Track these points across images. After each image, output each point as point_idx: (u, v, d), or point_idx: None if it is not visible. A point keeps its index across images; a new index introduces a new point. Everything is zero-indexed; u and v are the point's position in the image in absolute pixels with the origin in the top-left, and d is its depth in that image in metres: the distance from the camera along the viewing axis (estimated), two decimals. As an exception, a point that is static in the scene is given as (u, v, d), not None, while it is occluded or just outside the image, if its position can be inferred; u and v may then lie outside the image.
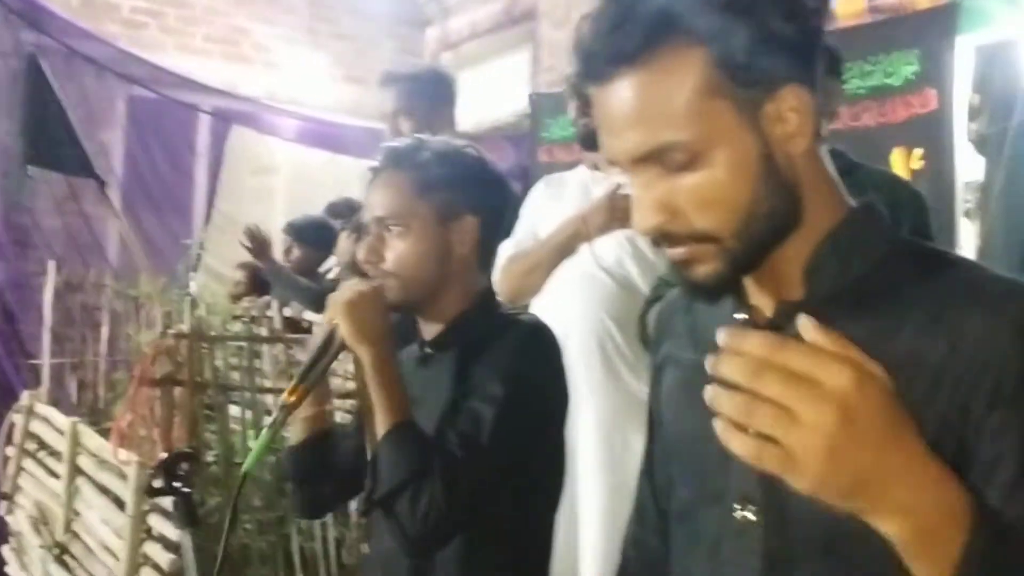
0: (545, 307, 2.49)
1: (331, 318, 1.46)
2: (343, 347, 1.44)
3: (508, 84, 6.05)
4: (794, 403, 0.72)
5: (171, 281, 3.99)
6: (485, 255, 1.65)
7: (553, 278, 2.52)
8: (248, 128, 6.30)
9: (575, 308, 2.46)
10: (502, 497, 1.47)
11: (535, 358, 1.53)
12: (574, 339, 2.37)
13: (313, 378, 1.44)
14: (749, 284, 0.98)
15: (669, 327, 1.15)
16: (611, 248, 2.46)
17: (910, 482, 0.75)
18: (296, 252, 4.74)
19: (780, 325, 0.92)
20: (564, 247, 2.49)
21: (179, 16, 6.30)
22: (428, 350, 1.61)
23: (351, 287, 1.49)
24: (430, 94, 2.88)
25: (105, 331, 4.51)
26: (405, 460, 1.39)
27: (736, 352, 0.75)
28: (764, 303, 0.97)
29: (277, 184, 6.09)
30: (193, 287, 3.69)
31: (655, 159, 0.89)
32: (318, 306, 3.75)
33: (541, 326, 1.59)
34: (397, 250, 1.54)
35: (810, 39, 0.91)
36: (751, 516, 0.94)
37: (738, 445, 0.75)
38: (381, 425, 1.43)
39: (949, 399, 0.85)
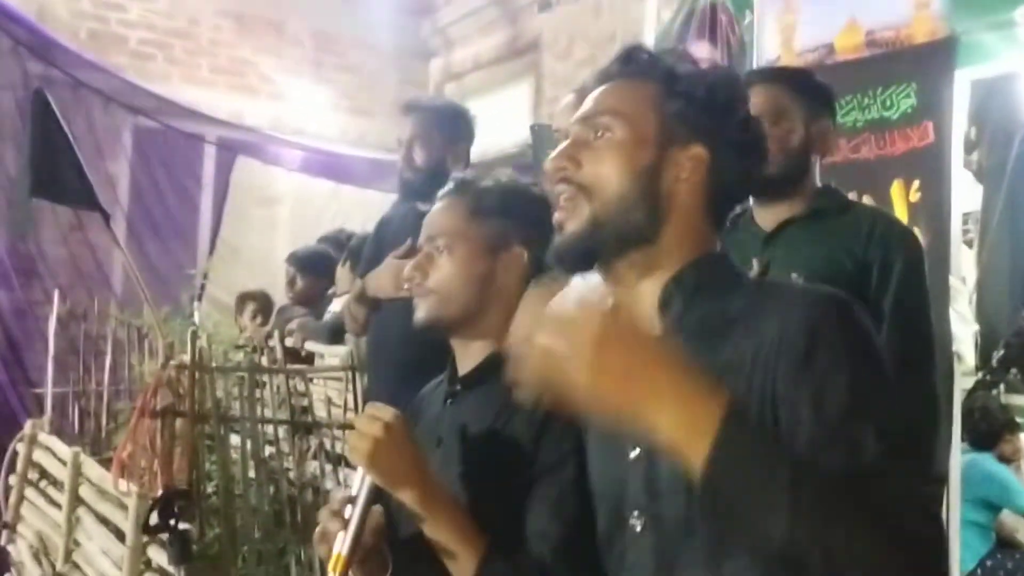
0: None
1: (357, 461, 1.32)
2: (379, 491, 1.31)
3: (511, 115, 6.09)
4: (560, 338, 0.97)
5: (175, 311, 4.01)
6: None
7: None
8: (253, 158, 6.34)
9: None
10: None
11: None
12: None
13: (353, 543, 1.27)
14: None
15: None
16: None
17: (670, 382, 0.96)
18: (300, 283, 4.77)
19: None
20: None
21: (185, 48, 6.36)
22: (459, 387, 1.55)
23: (363, 431, 1.32)
24: (448, 126, 2.90)
25: (108, 360, 4.53)
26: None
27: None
28: None
29: (281, 214, 6.13)
30: (197, 317, 3.70)
31: (590, 127, 1.21)
32: (335, 339, 3.77)
33: None
34: (441, 269, 1.55)
35: (728, 135, 1.20)
36: (638, 526, 1.14)
37: (526, 375, 0.99)
38: (464, 566, 1.29)
39: (760, 389, 1.05)
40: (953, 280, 3.66)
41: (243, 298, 5.13)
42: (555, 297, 1.01)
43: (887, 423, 1.02)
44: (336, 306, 4.44)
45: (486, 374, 1.51)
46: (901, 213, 3.36)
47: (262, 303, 5.09)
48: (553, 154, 1.22)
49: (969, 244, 4.32)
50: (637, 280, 1.19)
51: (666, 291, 1.17)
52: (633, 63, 1.26)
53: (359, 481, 1.30)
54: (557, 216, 1.21)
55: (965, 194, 4.22)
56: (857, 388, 1.02)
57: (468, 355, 1.56)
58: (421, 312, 1.56)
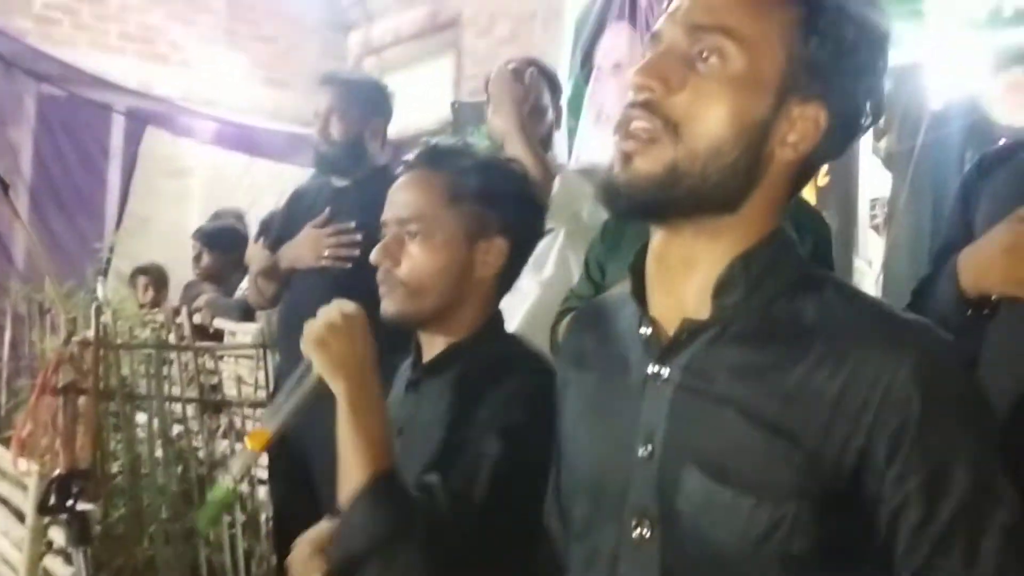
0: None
1: (306, 351, 1.28)
2: (321, 385, 1.26)
3: (431, 91, 6.04)
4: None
5: (79, 286, 3.89)
6: (507, 281, 1.49)
7: None
8: (163, 129, 6.16)
9: (526, 319, 2.47)
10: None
11: (539, 407, 1.24)
12: None
13: (283, 422, 1.26)
14: (654, 297, 1.00)
15: (576, 348, 1.15)
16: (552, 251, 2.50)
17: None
18: (206, 258, 4.67)
19: (684, 342, 0.95)
20: None
21: (93, 13, 6.14)
22: (418, 374, 1.46)
23: (328, 312, 1.30)
24: (366, 101, 2.86)
25: (7, 336, 4.38)
26: (382, 519, 1.19)
27: None
28: (668, 319, 0.98)
29: (193, 187, 5.98)
30: (100, 292, 3.60)
31: (694, 40, 0.92)
32: (246, 316, 3.70)
33: (548, 368, 1.36)
34: (414, 258, 1.40)
35: (866, 91, 0.95)
36: (646, 532, 0.95)
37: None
38: (355, 473, 1.22)
39: (844, 440, 0.87)
40: (859, 263, 3.76)
41: (135, 273, 5.01)
42: None
43: (1016, 524, 0.87)
44: (244, 283, 4.36)
45: (448, 363, 1.42)
46: (809, 197, 3.44)
47: (155, 276, 4.98)
48: (642, 64, 0.94)
49: (876, 229, 4.44)
50: (696, 245, 0.96)
51: (730, 272, 0.95)
52: None
53: (302, 369, 1.28)
54: (623, 145, 0.94)
55: (874, 180, 4.34)
56: (981, 476, 0.87)
57: (434, 345, 1.45)
58: (390, 305, 1.41)
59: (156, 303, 4.73)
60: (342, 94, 2.84)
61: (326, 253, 2.70)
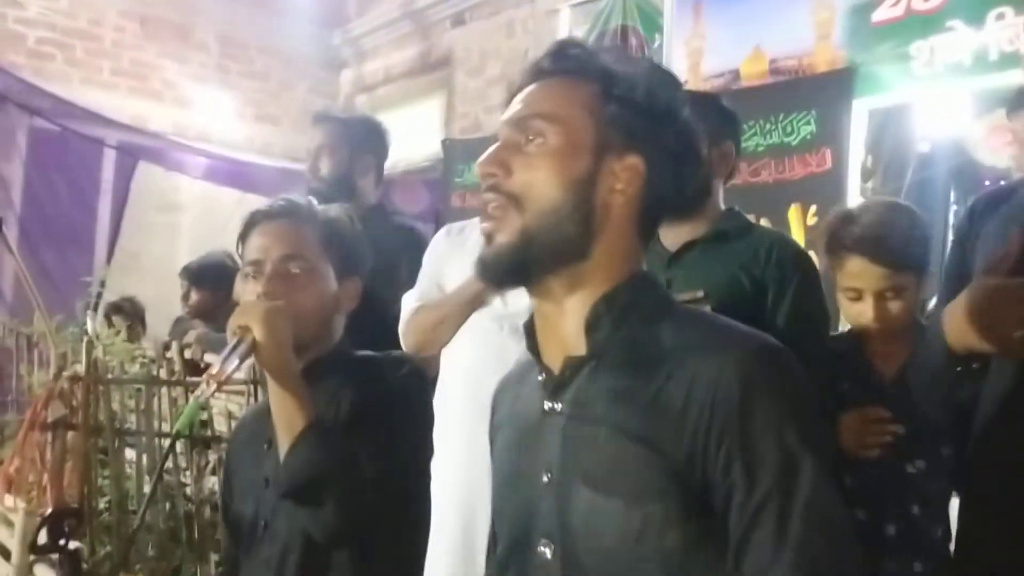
0: (450, 355, 2.50)
1: (242, 324, 1.48)
2: (251, 351, 1.46)
3: (422, 128, 6.08)
4: None
5: (68, 319, 3.87)
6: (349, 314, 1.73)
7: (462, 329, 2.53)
8: (155, 164, 6.18)
9: (467, 356, 2.48)
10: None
11: (413, 387, 1.61)
12: (459, 387, 2.45)
13: (232, 369, 1.45)
14: (543, 347, 1.16)
15: (503, 397, 1.29)
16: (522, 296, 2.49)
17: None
18: (194, 296, 4.62)
19: (568, 379, 1.10)
20: (472, 301, 2.50)
21: (86, 49, 6.18)
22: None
23: (262, 297, 1.55)
24: (355, 138, 2.87)
25: (-6, 370, 4.35)
26: (322, 456, 1.44)
27: None
28: (555, 362, 1.13)
29: (184, 222, 6.00)
30: (90, 326, 3.58)
31: (521, 129, 1.12)
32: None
33: (405, 358, 1.69)
34: (302, 291, 1.59)
35: (667, 142, 1.13)
36: (548, 552, 1.08)
37: None
38: (297, 423, 1.47)
39: (691, 441, 1.00)
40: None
41: (109, 310, 4.98)
42: None
43: (816, 497, 0.99)
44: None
45: (314, 373, 1.61)
46: (798, 236, 3.47)
47: (129, 312, 4.95)
48: (482, 157, 1.13)
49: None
50: (564, 296, 1.12)
51: (594, 311, 1.10)
52: (567, 59, 1.16)
53: (234, 344, 1.46)
54: (484, 225, 1.13)
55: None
56: (788, 455, 0.99)
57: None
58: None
59: (131, 337, 4.70)
60: (333, 132, 2.86)
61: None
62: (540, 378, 1.15)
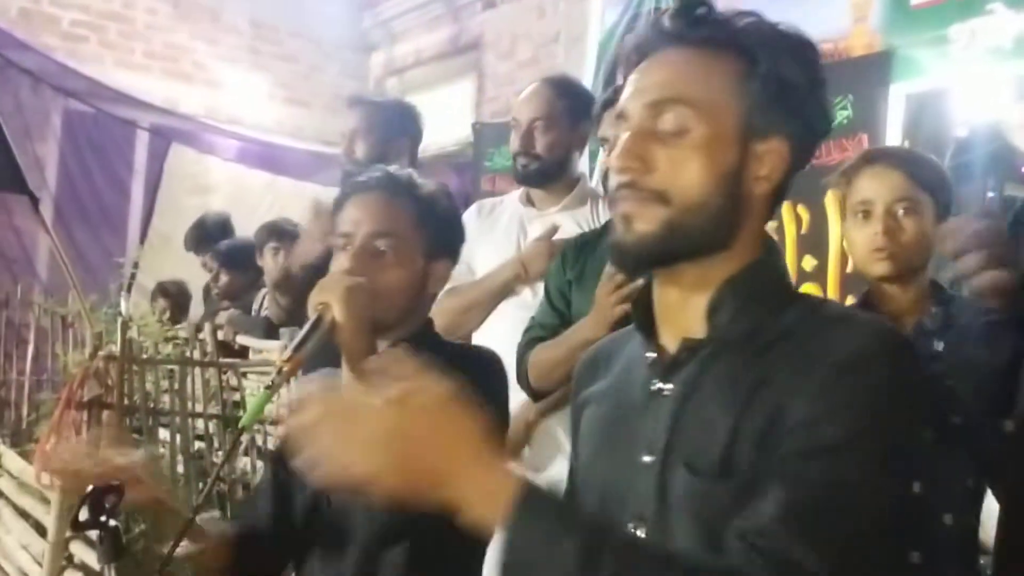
0: (479, 341, 2.50)
1: (322, 301, 1.43)
2: (332, 331, 1.41)
3: (452, 112, 6.07)
4: (358, 411, 0.89)
5: (102, 300, 3.91)
6: (437, 296, 1.67)
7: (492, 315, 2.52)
8: (187, 146, 6.22)
9: (497, 343, 2.47)
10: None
11: (497, 388, 1.54)
12: None
13: (309, 351, 1.39)
14: (660, 325, 1.11)
15: (593, 372, 1.24)
16: None
17: (465, 459, 0.89)
18: (224, 278, 4.68)
19: (683, 361, 1.05)
20: (502, 290, 2.49)
21: (119, 31, 6.21)
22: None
23: (344, 274, 1.49)
24: (389, 121, 2.87)
25: (30, 349, 4.40)
26: None
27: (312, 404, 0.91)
28: (670, 342, 1.09)
29: (215, 204, 6.01)
30: (124, 307, 3.62)
31: (659, 112, 1.03)
32: (270, 333, 3.72)
33: (495, 355, 1.61)
34: (389, 272, 1.53)
35: (817, 116, 1.07)
36: (640, 534, 1.03)
37: (320, 470, 0.89)
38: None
39: (785, 414, 0.95)
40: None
41: (156, 290, 5.04)
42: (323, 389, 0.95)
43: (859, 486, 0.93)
44: (262, 297, 4.40)
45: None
46: (835, 223, 3.43)
47: (175, 293, 5.00)
48: (617, 150, 1.04)
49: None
50: (696, 282, 1.06)
51: (719, 295, 1.05)
52: (704, 25, 1.05)
53: (313, 321, 1.41)
54: (623, 208, 1.05)
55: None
56: (857, 432, 0.93)
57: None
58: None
59: (174, 320, 4.76)
60: (367, 115, 2.87)
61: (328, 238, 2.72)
62: (649, 356, 1.10)
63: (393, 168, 1.64)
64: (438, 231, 1.58)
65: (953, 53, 3.37)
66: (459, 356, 1.53)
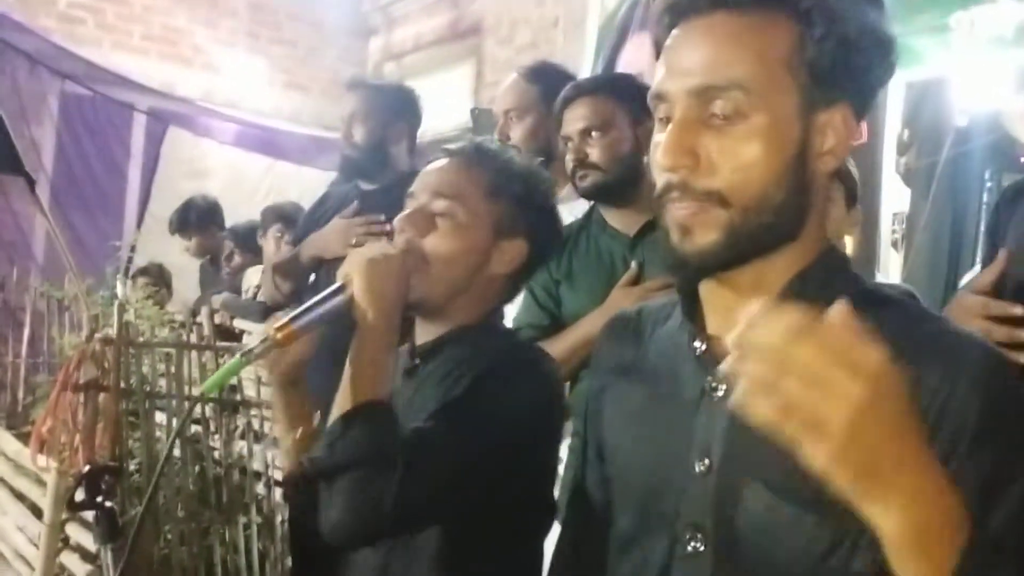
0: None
1: (347, 272, 1.31)
2: (348, 307, 1.29)
3: (451, 97, 6.05)
4: (829, 372, 0.69)
5: (98, 284, 3.90)
6: (517, 283, 1.52)
7: None
8: (184, 130, 6.20)
9: None
10: (477, 521, 1.32)
11: (524, 389, 1.34)
12: None
13: (306, 324, 1.28)
14: (711, 316, 0.99)
15: (616, 356, 1.13)
16: None
17: (919, 473, 0.73)
18: (237, 258, 4.71)
19: None
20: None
21: (117, 13, 6.18)
22: (416, 360, 1.45)
23: (377, 246, 1.36)
24: (388, 105, 2.87)
25: (27, 332, 4.40)
26: (372, 440, 1.22)
27: (770, 325, 0.72)
28: (722, 332, 0.93)
29: (212, 188, 5.99)
30: (120, 290, 3.61)
31: (708, 99, 0.90)
32: (267, 317, 3.71)
33: (541, 357, 1.46)
34: (443, 239, 1.39)
35: (880, 75, 0.94)
36: (700, 547, 0.94)
37: (761, 408, 0.71)
38: (357, 395, 1.25)
39: None
40: (880, 278, 3.74)
41: (136, 273, 5.06)
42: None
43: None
44: (254, 279, 4.40)
45: (444, 347, 1.42)
46: (834, 211, 3.42)
47: (155, 275, 5.01)
48: (665, 146, 0.91)
49: (895, 245, 4.42)
50: (758, 273, 0.94)
51: (787, 292, 0.93)
52: None
53: (337, 286, 1.30)
54: (678, 215, 0.92)
55: (895, 196, 4.31)
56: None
57: (430, 331, 1.45)
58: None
59: (156, 301, 4.76)
60: (366, 99, 2.86)
61: (354, 241, 2.70)
62: (698, 347, 0.99)
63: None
64: (514, 206, 1.43)
65: (954, 42, 3.36)
66: (512, 356, 1.42)
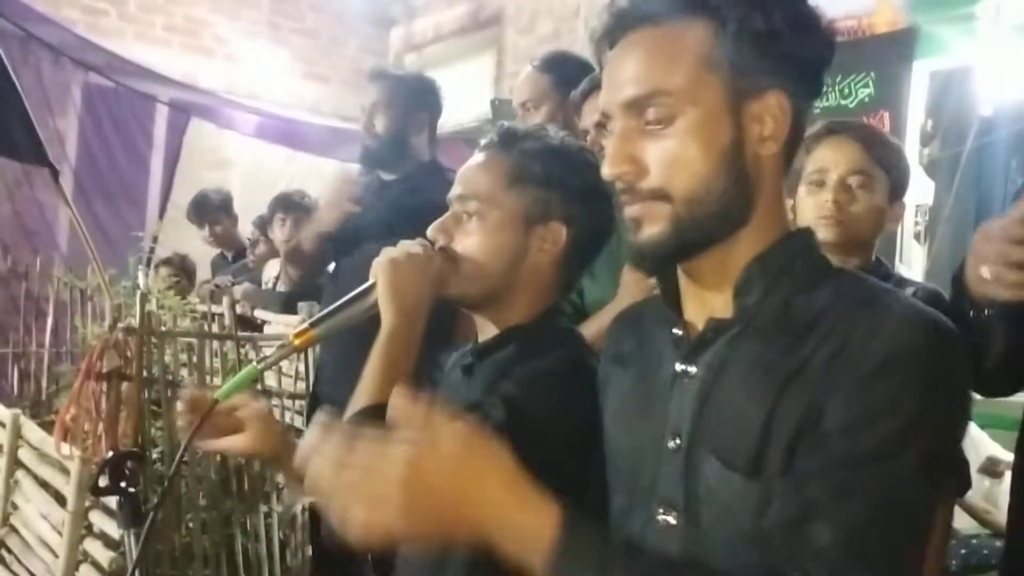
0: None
1: (374, 272, 1.31)
2: (374, 307, 1.30)
3: (471, 88, 6.04)
4: (373, 465, 0.82)
5: (121, 274, 3.93)
6: (568, 271, 1.44)
7: None
8: (207, 121, 6.22)
9: None
10: None
11: (559, 389, 1.28)
12: None
13: (328, 327, 1.30)
14: (686, 302, 1.06)
15: (617, 348, 1.19)
16: None
17: (493, 503, 0.84)
18: (262, 247, 4.75)
19: (708, 342, 1.00)
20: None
21: (140, 4, 6.22)
22: (471, 359, 1.43)
23: (405, 246, 1.34)
24: (409, 95, 2.87)
25: (50, 321, 4.44)
26: None
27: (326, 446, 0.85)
28: (698, 320, 1.04)
29: (234, 179, 6.03)
30: (142, 280, 3.64)
31: (640, 109, 0.97)
32: (288, 307, 3.74)
33: (582, 356, 1.37)
34: (469, 237, 1.37)
35: (810, 57, 0.99)
36: (672, 520, 0.99)
37: (336, 498, 0.83)
38: (371, 396, 1.25)
39: (824, 398, 0.90)
40: (903, 270, 3.71)
41: (159, 264, 5.10)
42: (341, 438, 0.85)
43: (902, 494, 0.87)
44: (273, 270, 4.43)
45: (499, 347, 1.39)
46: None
47: (177, 266, 5.05)
48: (608, 155, 0.99)
49: (918, 237, 4.39)
50: (718, 261, 1.00)
51: (746, 274, 0.99)
52: None
53: (365, 287, 1.31)
54: (629, 212, 1.00)
55: (918, 187, 4.28)
56: (901, 430, 0.87)
57: (487, 330, 1.42)
58: (448, 286, 1.37)
59: (178, 292, 4.81)
60: (387, 89, 2.85)
61: (343, 207, 2.72)
62: (675, 334, 1.05)
63: (515, 123, 1.48)
64: (543, 189, 1.37)
65: (979, 30, 3.33)
66: (551, 345, 1.36)
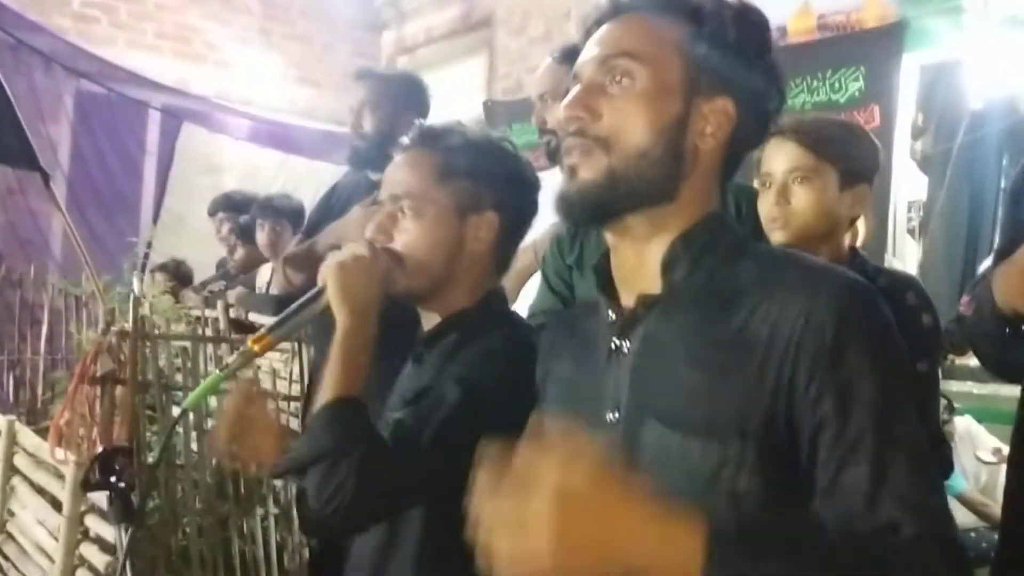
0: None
1: (323, 276, 1.38)
2: (328, 309, 1.36)
3: (463, 90, 6.05)
4: (522, 501, 0.82)
5: (115, 279, 3.93)
6: (502, 256, 1.53)
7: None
8: (199, 126, 6.22)
9: None
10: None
11: (506, 366, 1.35)
12: None
13: (284, 331, 1.38)
14: (620, 287, 1.13)
15: (553, 348, 1.25)
16: None
17: (639, 531, 0.83)
18: (240, 252, 4.73)
19: (640, 317, 1.08)
20: (518, 278, 2.48)
21: (130, 12, 6.22)
22: (420, 348, 1.50)
23: (351, 248, 1.40)
24: (397, 95, 2.86)
25: (44, 329, 4.44)
26: (330, 435, 1.28)
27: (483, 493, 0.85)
28: (630, 300, 1.11)
29: (227, 184, 6.01)
30: (136, 286, 3.64)
31: (608, 68, 1.08)
32: (281, 311, 3.73)
33: (526, 334, 1.44)
34: (407, 234, 1.44)
35: (761, 89, 1.11)
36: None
37: (495, 550, 0.83)
38: (327, 392, 1.32)
39: (776, 377, 0.97)
40: (896, 265, 3.72)
41: (155, 269, 5.09)
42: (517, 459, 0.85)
43: (919, 445, 0.96)
44: (266, 275, 4.42)
45: (444, 334, 1.47)
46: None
47: (173, 271, 5.04)
48: (567, 99, 1.09)
49: (912, 233, 4.40)
50: (644, 236, 1.09)
51: (672, 250, 1.08)
52: None
53: (315, 291, 1.38)
54: (569, 159, 1.08)
55: (911, 183, 4.28)
56: (887, 395, 0.95)
57: (432, 319, 1.50)
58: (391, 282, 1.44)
59: (176, 296, 4.80)
60: (375, 89, 2.85)
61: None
62: (610, 317, 1.12)
63: (441, 123, 1.55)
64: (473, 180, 1.46)
65: (967, 22, 3.34)
66: (500, 339, 1.42)
